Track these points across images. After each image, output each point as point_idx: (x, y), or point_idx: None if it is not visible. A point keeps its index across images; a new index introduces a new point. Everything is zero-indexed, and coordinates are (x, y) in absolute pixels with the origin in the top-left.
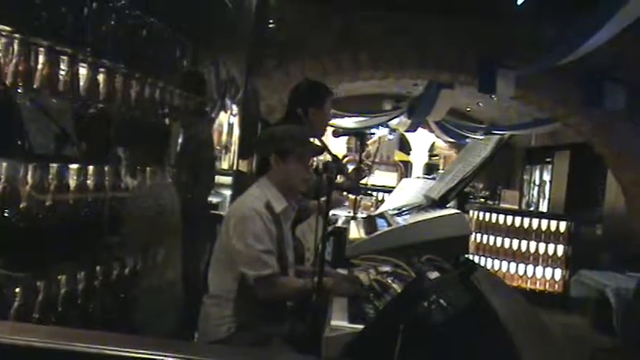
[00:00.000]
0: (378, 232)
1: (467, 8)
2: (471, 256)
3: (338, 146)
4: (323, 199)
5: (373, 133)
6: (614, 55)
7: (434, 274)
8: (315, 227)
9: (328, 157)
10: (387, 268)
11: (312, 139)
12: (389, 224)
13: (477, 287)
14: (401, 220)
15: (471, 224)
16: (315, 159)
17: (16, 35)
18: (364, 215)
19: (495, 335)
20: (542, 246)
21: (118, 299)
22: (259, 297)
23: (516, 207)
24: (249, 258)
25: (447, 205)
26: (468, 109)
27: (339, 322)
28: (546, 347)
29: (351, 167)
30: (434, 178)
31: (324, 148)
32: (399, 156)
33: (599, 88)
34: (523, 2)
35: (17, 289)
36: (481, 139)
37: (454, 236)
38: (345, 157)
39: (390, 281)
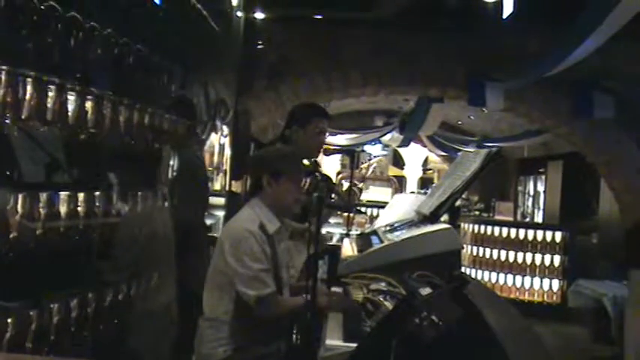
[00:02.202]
0: (369, 250)
1: (454, 23)
2: (467, 270)
3: (332, 163)
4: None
5: (364, 151)
6: (602, 65)
7: (426, 290)
8: (299, 246)
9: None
10: (378, 286)
11: (303, 160)
12: (381, 241)
13: (470, 301)
14: (393, 237)
15: (465, 237)
16: (306, 179)
17: (3, 67)
18: (357, 232)
19: (488, 349)
20: (538, 257)
21: (112, 326)
22: (260, 317)
23: (511, 218)
24: (248, 278)
25: (439, 220)
26: (460, 122)
27: (334, 341)
28: None
29: (345, 184)
30: (425, 193)
31: (315, 168)
32: (392, 171)
33: (588, 98)
34: (509, 16)
35: (9, 319)
36: (470, 152)
37: (445, 251)
38: (339, 173)
39: (381, 299)
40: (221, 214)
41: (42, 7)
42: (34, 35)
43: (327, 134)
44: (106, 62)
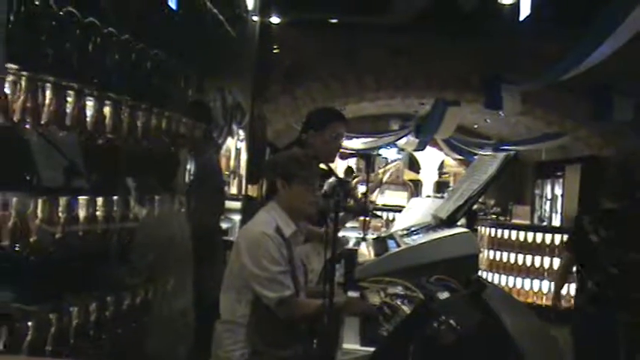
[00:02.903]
0: (386, 254)
1: (470, 26)
2: (484, 274)
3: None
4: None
5: (380, 155)
6: (622, 67)
7: (444, 295)
8: (318, 249)
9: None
10: (395, 290)
11: (318, 164)
12: (398, 245)
13: (488, 306)
14: (410, 241)
15: (482, 241)
16: (322, 182)
17: (23, 73)
18: (374, 236)
19: (507, 354)
20: (556, 261)
21: (130, 329)
22: (282, 319)
23: (528, 222)
24: (267, 281)
25: (456, 224)
26: (476, 125)
27: (351, 345)
28: None
29: (360, 188)
30: (442, 197)
31: (330, 172)
32: (408, 175)
33: (607, 100)
34: (526, 18)
35: (30, 323)
36: (487, 156)
37: (463, 255)
38: (355, 177)
39: (399, 303)
40: (237, 218)
41: (61, 12)
42: (53, 40)
43: (344, 138)
44: (124, 67)
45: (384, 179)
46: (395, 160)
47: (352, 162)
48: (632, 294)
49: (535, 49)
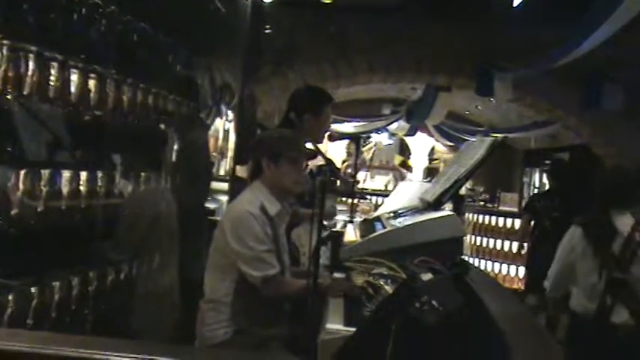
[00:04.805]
0: (372, 235)
1: (463, 11)
2: (470, 259)
3: (337, 151)
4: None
5: (369, 137)
6: (612, 56)
7: (427, 276)
8: (309, 231)
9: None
10: (380, 271)
11: (304, 143)
12: (384, 227)
13: (471, 288)
14: (396, 223)
15: (469, 227)
16: (309, 163)
17: (5, 41)
18: (361, 219)
19: (489, 336)
20: None
21: (113, 305)
22: (266, 297)
23: (516, 210)
24: (252, 259)
25: (442, 208)
26: (467, 112)
27: (335, 325)
28: (541, 348)
29: (350, 171)
30: (429, 181)
31: (316, 152)
32: (398, 160)
33: (597, 89)
34: (519, 4)
35: (10, 296)
36: (475, 141)
37: (448, 238)
38: (344, 161)
39: (382, 283)
40: (225, 199)
41: None
42: (36, 10)
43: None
44: (110, 40)
45: (370, 161)
46: (388, 145)
47: (342, 145)
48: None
49: (528, 36)
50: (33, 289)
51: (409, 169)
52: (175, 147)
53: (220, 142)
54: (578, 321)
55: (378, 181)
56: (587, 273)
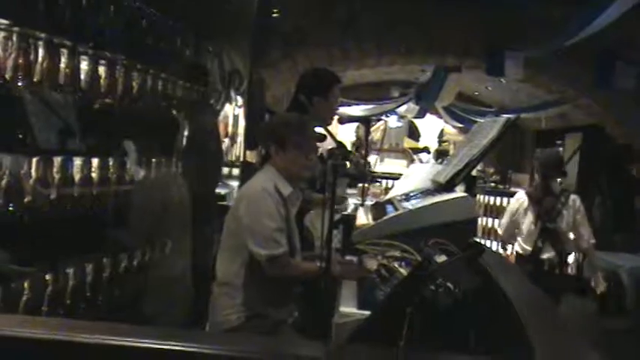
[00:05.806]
0: (384, 218)
1: None
2: (481, 241)
3: (347, 134)
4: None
5: (380, 119)
6: (623, 35)
7: (441, 258)
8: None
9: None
10: (393, 253)
11: (313, 127)
12: (396, 209)
13: (486, 270)
14: (408, 205)
15: (480, 208)
16: (320, 147)
17: (15, 28)
18: (372, 202)
19: (504, 317)
20: None
21: (127, 291)
22: (270, 276)
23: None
24: (262, 237)
25: (455, 189)
26: (477, 93)
27: (348, 308)
28: (556, 330)
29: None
30: (442, 163)
31: (326, 136)
32: (408, 143)
33: (608, 68)
34: None
35: (25, 284)
36: (487, 121)
37: (461, 219)
38: (354, 144)
39: (396, 265)
40: (235, 184)
41: None
42: None
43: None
44: (119, 26)
45: (380, 143)
46: (397, 127)
47: (352, 128)
48: None
49: (539, 15)
50: (47, 276)
51: (425, 150)
52: (185, 133)
53: (230, 127)
54: (520, 258)
55: (389, 165)
56: (527, 224)
